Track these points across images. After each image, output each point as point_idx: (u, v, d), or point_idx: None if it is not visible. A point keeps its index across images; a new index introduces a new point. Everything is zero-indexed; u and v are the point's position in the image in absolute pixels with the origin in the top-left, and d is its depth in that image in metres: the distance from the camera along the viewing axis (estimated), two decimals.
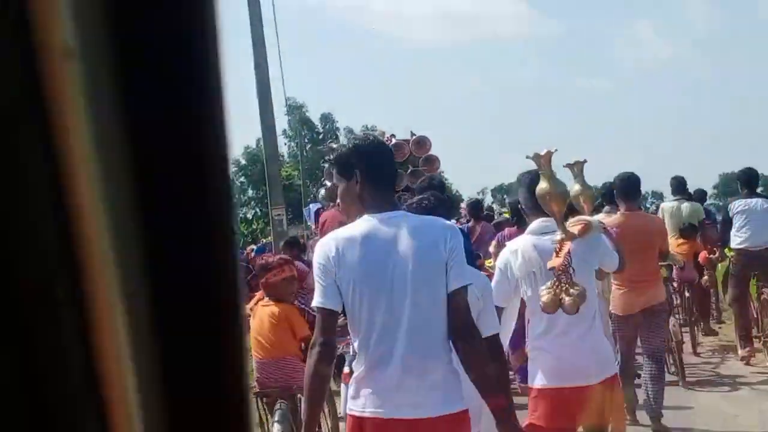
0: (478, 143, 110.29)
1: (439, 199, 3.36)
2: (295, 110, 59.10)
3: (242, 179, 59.61)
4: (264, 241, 27.53)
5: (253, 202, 55.54)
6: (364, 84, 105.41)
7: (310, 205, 11.54)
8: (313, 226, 12.01)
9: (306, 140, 59.66)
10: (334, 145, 13.29)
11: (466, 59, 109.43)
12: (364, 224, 2.66)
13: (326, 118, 63.49)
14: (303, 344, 4.24)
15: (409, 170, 11.05)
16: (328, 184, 11.51)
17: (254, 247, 25.05)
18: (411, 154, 11.55)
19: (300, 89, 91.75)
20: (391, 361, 2.57)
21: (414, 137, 11.99)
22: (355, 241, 2.63)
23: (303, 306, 4.58)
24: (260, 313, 4.46)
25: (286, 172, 34.57)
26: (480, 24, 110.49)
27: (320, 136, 61.01)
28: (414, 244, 2.61)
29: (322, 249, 2.66)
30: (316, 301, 2.65)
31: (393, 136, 11.99)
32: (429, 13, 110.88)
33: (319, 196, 12.90)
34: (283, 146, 63.66)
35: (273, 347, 4.35)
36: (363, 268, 2.60)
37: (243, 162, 58.84)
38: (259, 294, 4.55)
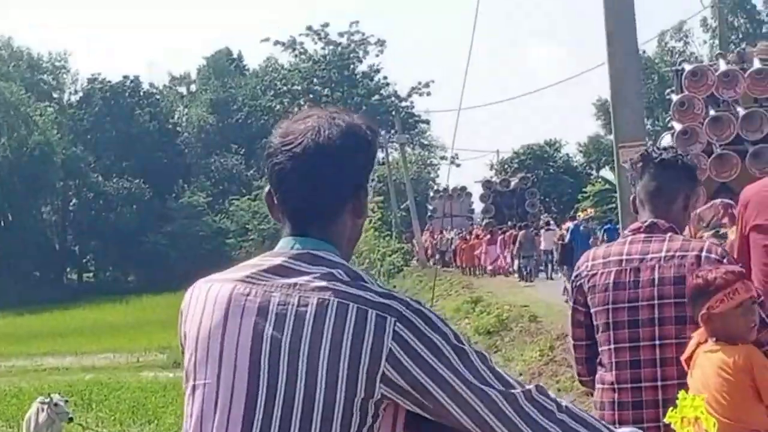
0: None
1: None
2: None
3: None
4: (582, 216, 28.50)
5: None
6: None
7: None
8: None
9: (740, 34, 59.14)
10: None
11: None
12: None
13: None
14: None
15: None
16: (679, 127, 12.79)
17: (569, 225, 26.23)
18: None
19: None
20: None
21: None
22: None
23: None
24: (702, 363, 4.50)
25: None
26: None
27: (761, 28, 60.29)
28: None
29: None
30: None
31: None
32: None
33: (662, 145, 14.05)
34: (702, 45, 63.82)
35: (727, 415, 4.35)
36: None
37: None
38: (699, 333, 4.58)
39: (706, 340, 4.46)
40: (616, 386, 4.62)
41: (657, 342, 4.55)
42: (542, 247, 35.70)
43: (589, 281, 4.71)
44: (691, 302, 4.46)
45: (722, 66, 12.84)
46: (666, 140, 13.93)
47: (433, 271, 45.08)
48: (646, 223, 4.67)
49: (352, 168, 2.53)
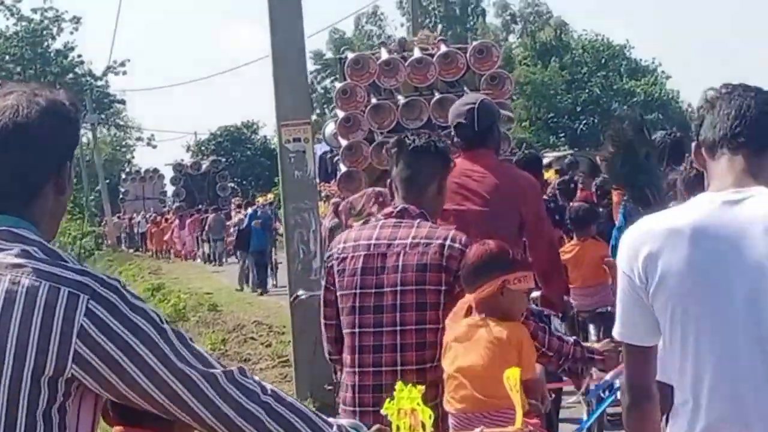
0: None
1: None
2: None
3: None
4: (261, 201, 29.05)
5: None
6: None
7: (315, 147, 12.87)
8: (318, 182, 13.34)
9: (434, 18, 60.83)
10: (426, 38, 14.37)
11: None
12: (701, 208, 2.94)
13: None
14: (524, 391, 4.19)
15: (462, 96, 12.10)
16: (341, 114, 12.82)
17: (247, 212, 26.30)
18: (468, 70, 12.67)
19: None
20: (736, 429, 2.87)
21: (474, 44, 13.08)
22: (681, 236, 2.89)
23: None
24: (470, 334, 4.47)
25: None
26: None
27: (455, 11, 62.36)
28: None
29: (626, 248, 3.00)
30: (618, 332, 3.07)
31: (443, 41, 13.13)
32: None
33: (326, 132, 14.10)
34: (400, 28, 65.31)
35: (486, 391, 4.34)
36: (691, 282, 2.87)
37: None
38: (468, 299, 4.57)
39: (470, 311, 4.51)
40: (357, 369, 4.74)
41: (398, 328, 4.68)
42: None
43: (339, 264, 4.83)
44: (479, 269, 4.48)
45: (384, 55, 13.00)
46: (330, 128, 14.02)
47: (124, 255, 44.67)
48: (398, 209, 4.83)
49: (52, 146, 2.52)
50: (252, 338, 16.41)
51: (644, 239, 2.93)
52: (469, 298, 4.52)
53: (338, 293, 4.82)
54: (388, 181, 5.03)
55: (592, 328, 9.47)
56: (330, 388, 9.23)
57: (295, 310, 10.71)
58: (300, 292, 10.03)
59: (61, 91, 2.63)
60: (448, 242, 4.68)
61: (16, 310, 2.33)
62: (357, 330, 4.74)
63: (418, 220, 4.76)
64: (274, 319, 16.99)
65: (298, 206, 11.40)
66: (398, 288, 4.67)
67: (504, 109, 12.65)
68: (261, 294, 24.02)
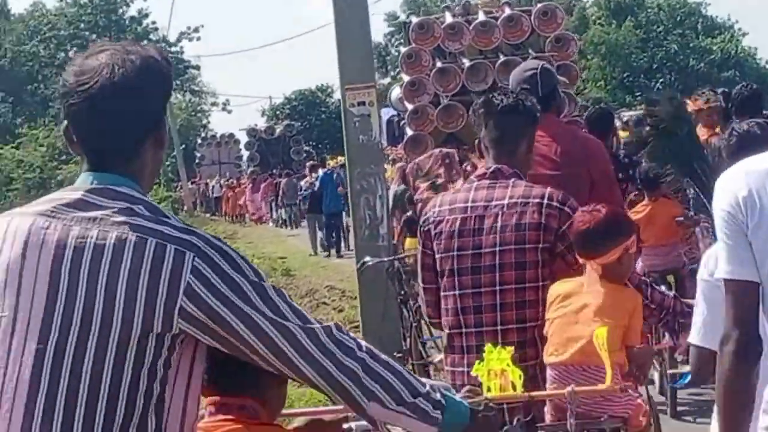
0: None
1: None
2: None
3: None
4: (332, 164, 28.84)
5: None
6: None
7: (382, 111, 12.88)
8: (386, 146, 13.37)
9: None
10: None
11: None
12: None
13: None
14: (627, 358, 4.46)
15: (531, 57, 12.03)
16: (407, 79, 12.86)
17: (318, 174, 25.83)
18: (533, 32, 12.62)
19: None
20: None
21: (539, 6, 13.00)
22: None
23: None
24: (588, 295, 4.61)
25: None
26: None
27: None
28: None
29: (723, 189, 2.94)
30: (725, 271, 2.92)
31: (507, 3, 13.06)
32: None
33: (392, 96, 14.11)
34: None
35: (591, 347, 4.27)
36: None
37: None
38: (596, 266, 4.64)
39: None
40: (463, 330, 4.81)
41: (497, 288, 4.75)
42: None
43: (436, 227, 4.88)
44: (604, 236, 4.57)
45: (448, 18, 13.00)
46: (395, 92, 14.05)
47: (201, 219, 45.03)
48: (491, 170, 4.85)
49: (150, 103, 2.57)
50: (324, 303, 16.34)
51: (742, 178, 2.89)
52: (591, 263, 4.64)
53: (436, 256, 4.88)
54: (476, 141, 5.05)
55: (663, 288, 9.43)
56: (399, 355, 9.28)
57: (362, 277, 10.70)
58: (366, 259, 10.00)
59: (151, 46, 2.67)
60: (546, 201, 4.74)
61: (124, 267, 2.39)
62: (457, 292, 4.81)
63: (512, 180, 4.81)
64: (347, 284, 16.87)
65: (363, 171, 11.32)
66: (497, 248, 4.72)
67: (569, 71, 12.64)
68: (330, 255, 24.25)
